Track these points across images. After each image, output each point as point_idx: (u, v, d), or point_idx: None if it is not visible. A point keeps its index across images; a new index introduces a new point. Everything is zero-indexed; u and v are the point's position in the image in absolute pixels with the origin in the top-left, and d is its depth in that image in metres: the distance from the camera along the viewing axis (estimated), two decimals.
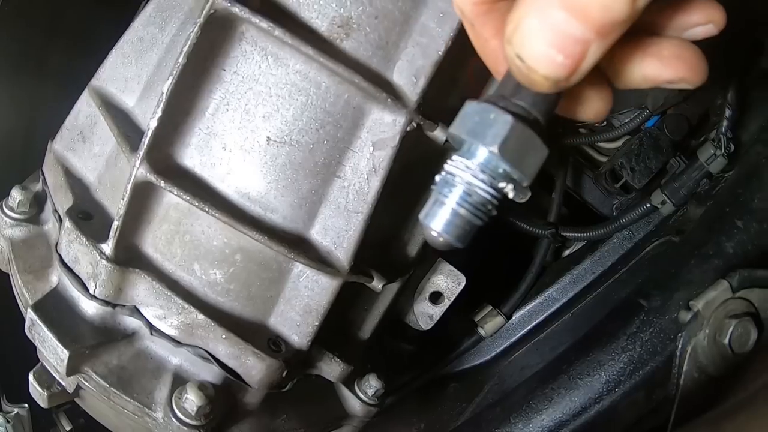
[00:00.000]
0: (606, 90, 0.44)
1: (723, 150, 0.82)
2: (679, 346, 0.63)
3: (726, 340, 0.63)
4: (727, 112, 0.83)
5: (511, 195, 0.42)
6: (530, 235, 1.01)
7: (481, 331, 0.98)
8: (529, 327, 0.95)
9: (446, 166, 0.42)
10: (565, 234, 0.98)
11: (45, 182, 0.87)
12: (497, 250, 1.08)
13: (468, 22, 0.43)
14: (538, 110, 0.41)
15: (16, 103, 1.11)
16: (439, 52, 0.67)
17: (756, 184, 0.78)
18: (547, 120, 0.41)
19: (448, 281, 0.86)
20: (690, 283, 0.73)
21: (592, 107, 0.45)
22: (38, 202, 0.87)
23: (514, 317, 0.97)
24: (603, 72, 0.42)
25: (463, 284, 0.85)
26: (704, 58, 0.43)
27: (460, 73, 0.75)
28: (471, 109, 0.42)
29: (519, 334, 0.95)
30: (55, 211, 0.83)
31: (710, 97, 0.91)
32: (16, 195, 0.85)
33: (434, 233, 0.42)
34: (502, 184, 0.41)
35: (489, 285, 1.02)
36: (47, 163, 0.87)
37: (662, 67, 0.42)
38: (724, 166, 0.84)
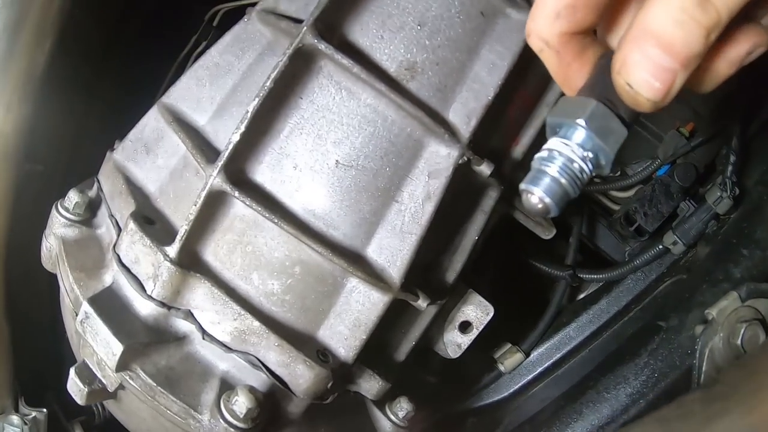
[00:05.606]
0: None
1: (729, 193, 0.91)
2: (698, 349, 0.71)
3: (739, 342, 0.72)
4: (732, 158, 0.93)
5: (597, 170, 0.49)
6: (546, 278, 1.08)
7: (501, 367, 1.02)
8: (547, 364, 1.00)
9: (548, 144, 0.50)
10: (581, 275, 1.04)
11: (100, 188, 0.91)
12: (515, 291, 1.14)
13: (553, 50, 0.52)
14: (620, 111, 0.49)
15: (65, 117, 1.16)
16: (489, 97, 0.76)
17: (758, 218, 0.88)
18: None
19: (478, 311, 0.91)
20: (703, 304, 0.81)
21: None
22: (91, 207, 0.92)
23: (532, 354, 1.02)
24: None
25: (492, 314, 0.90)
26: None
27: (502, 118, 0.84)
28: (570, 100, 0.51)
29: (538, 371, 1.00)
30: (111, 215, 0.87)
31: (716, 147, 1.01)
32: (73, 197, 0.89)
33: (536, 198, 0.48)
34: (593, 159, 0.49)
35: (508, 324, 1.07)
36: (105, 172, 0.92)
37: (738, 46, 0.50)
38: (730, 208, 0.93)
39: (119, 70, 1.25)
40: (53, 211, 0.90)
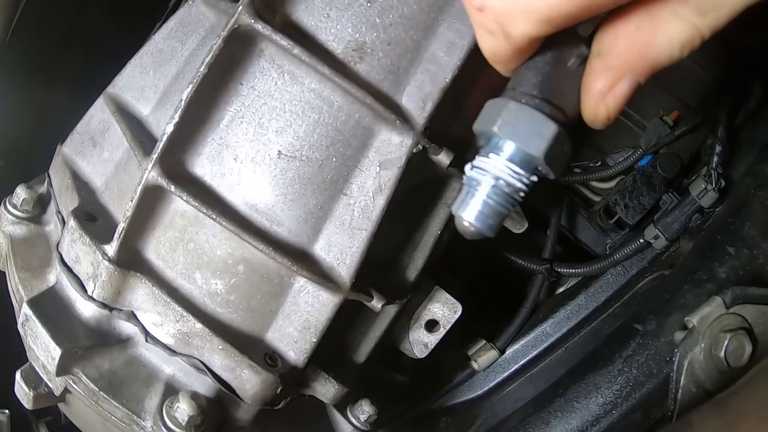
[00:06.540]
0: None
1: (714, 185, 0.85)
2: (676, 361, 0.65)
3: (722, 354, 0.65)
4: (718, 148, 0.86)
5: (534, 179, 0.45)
6: (525, 271, 1.03)
7: (475, 365, 0.98)
8: (522, 361, 0.95)
9: (475, 161, 0.45)
10: (559, 270, 0.99)
11: (50, 184, 0.87)
12: (492, 286, 1.09)
13: (510, 44, 0.44)
14: (559, 101, 0.44)
15: (23, 109, 1.12)
16: (447, 80, 0.70)
17: (746, 213, 0.81)
18: (572, 110, 0.45)
19: (445, 309, 0.86)
20: (684, 307, 0.75)
21: None
22: (41, 203, 0.88)
23: (507, 352, 0.97)
24: None
25: (459, 312, 0.85)
26: None
27: (463, 104, 0.78)
28: (494, 106, 0.45)
29: (512, 368, 0.95)
30: (59, 212, 0.83)
31: (701, 137, 0.95)
32: (20, 193, 0.85)
33: (466, 223, 0.45)
34: (525, 171, 0.44)
35: (483, 320, 1.02)
36: (54, 166, 0.88)
37: None
38: (715, 201, 0.86)
39: (85, 54, 1.20)
40: (1, 208, 0.87)
